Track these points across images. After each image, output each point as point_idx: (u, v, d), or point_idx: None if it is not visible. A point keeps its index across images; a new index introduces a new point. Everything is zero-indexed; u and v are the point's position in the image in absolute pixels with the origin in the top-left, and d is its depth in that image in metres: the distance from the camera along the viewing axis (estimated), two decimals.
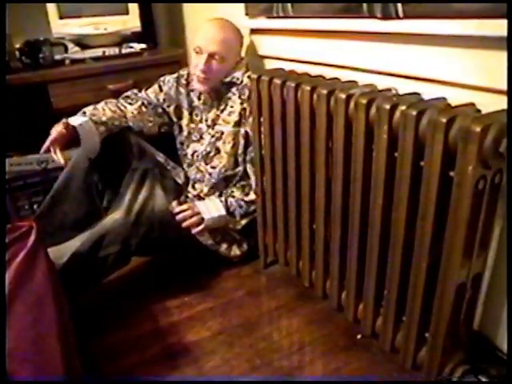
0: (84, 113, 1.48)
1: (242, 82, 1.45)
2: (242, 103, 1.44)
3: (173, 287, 1.45)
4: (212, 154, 1.50)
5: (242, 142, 1.47)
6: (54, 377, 0.92)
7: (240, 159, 1.49)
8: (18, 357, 0.88)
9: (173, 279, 1.50)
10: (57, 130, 1.38)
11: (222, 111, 1.49)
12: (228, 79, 1.46)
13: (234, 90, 1.46)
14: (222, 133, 1.48)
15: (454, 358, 0.93)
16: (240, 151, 1.48)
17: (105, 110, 1.51)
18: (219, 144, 1.49)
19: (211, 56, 1.39)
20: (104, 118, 1.48)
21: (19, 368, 0.88)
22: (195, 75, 1.45)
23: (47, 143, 1.37)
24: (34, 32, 1.79)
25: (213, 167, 1.51)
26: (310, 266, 1.27)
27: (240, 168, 1.50)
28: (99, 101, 1.56)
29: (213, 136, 1.50)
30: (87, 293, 1.36)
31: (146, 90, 1.62)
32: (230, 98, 1.47)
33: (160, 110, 1.60)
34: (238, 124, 1.46)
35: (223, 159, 1.49)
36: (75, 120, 1.43)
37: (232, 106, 1.46)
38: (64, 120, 1.42)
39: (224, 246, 1.50)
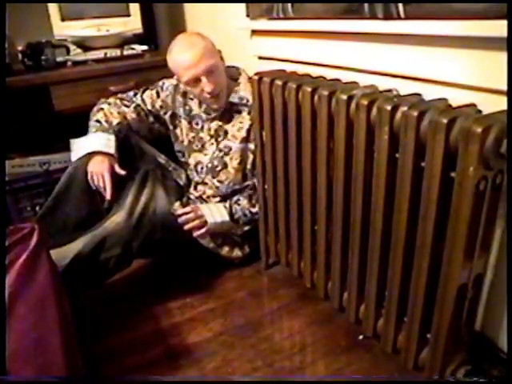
0: (97, 121, 1.47)
1: (252, 100, 1.40)
2: (251, 119, 1.42)
3: (174, 288, 1.45)
4: (219, 168, 1.48)
5: (250, 157, 1.46)
6: (56, 377, 0.92)
7: (249, 174, 1.48)
8: (20, 358, 0.88)
9: (174, 280, 1.50)
10: (106, 170, 1.37)
11: (229, 124, 1.46)
12: (235, 100, 1.43)
13: (242, 107, 1.43)
14: (230, 149, 1.46)
15: (456, 359, 0.93)
16: (249, 166, 1.47)
17: (112, 113, 1.50)
18: (227, 159, 1.47)
19: (208, 73, 1.33)
20: (115, 122, 1.48)
21: (22, 369, 0.88)
22: (205, 99, 1.40)
23: (110, 188, 1.36)
24: (36, 34, 1.80)
25: (220, 181, 1.49)
26: (311, 266, 1.27)
27: (249, 182, 1.49)
28: None
29: (220, 150, 1.48)
30: (89, 294, 1.36)
31: (143, 92, 1.57)
32: (239, 113, 1.45)
33: (152, 119, 1.57)
34: (245, 140, 1.44)
35: (230, 174, 1.47)
36: (105, 144, 1.42)
37: (241, 122, 1.45)
38: (101, 153, 1.40)
39: (225, 249, 1.50)
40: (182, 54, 1.33)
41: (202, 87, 1.35)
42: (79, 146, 1.45)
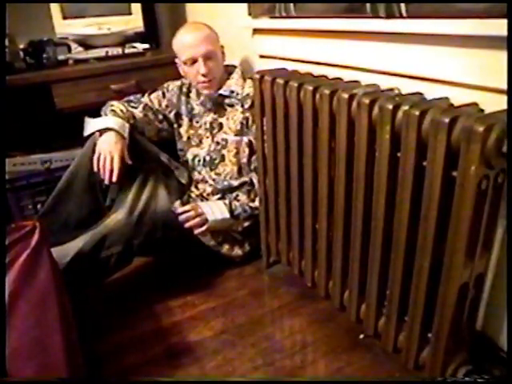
0: (112, 110, 1.48)
1: (242, 93, 1.46)
2: (243, 112, 1.46)
3: (175, 287, 1.45)
4: (217, 161, 1.52)
5: (246, 150, 1.48)
6: (57, 376, 0.92)
7: (245, 169, 1.50)
8: (21, 355, 0.88)
9: (175, 279, 1.50)
10: (117, 151, 1.34)
11: (224, 117, 1.50)
12: (226, 92, 1.47)
13: (234, 100, 1.47)
14: (227, 141, 1.49)
15: (457, 359, 0.93)
16: (244, 160, 1.49)
17: (122, 110, 1.50)
18: (224, 152, 1.50)
19: (206, 57, 1.41)
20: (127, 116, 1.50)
21: (23, 367, 0.88)
22: (199, 84, 1.46)
23: (119, 171, 1.33)
24: (37, 32, 1.80)
25: (217, 174, 1.52)
26: (312, 265, 1.27)
27: (245, 178, 1.50)
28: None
29: (218, 143, 1.51)
30: (90, 292, 1.36)
31: (150, 94, 1.61)
32: (232, 107, 1.49)
33: (161, 117, 1.60)
34: (239, 133, 1.47)
35: (227, 167, 1.50)
36: (120, 127, 1.41)
37: (235, 115, 1.48)
38: (111, 130, 1.38)
39: (226, 247, 1.50)
40: (186, 34, 1.44)
41: (197, 69, 1.41)
42: (94, 124, 1.44)
